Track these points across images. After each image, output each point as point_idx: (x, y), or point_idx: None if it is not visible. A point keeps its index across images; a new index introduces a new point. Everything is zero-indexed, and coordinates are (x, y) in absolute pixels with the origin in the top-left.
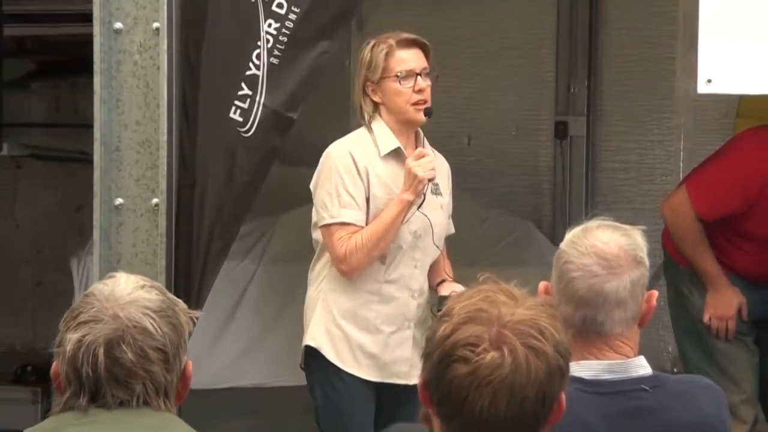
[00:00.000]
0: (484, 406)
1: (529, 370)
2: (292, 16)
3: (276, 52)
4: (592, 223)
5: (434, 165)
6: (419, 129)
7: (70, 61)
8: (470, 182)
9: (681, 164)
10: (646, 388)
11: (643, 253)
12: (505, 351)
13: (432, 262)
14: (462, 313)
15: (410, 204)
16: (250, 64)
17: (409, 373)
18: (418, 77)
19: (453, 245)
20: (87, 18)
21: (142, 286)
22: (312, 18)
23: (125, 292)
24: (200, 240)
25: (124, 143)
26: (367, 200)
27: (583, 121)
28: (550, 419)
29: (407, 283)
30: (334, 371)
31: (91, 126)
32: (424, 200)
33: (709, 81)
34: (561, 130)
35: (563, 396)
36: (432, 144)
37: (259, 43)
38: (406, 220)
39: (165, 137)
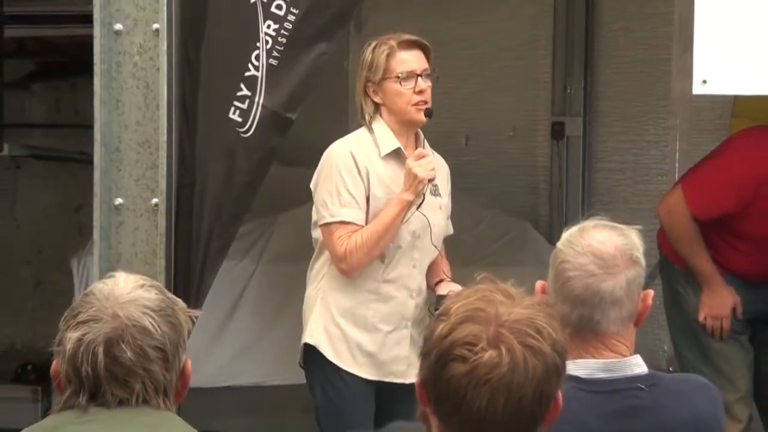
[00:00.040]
0: (481, 405)
1: (527, 369)
2: (291, 18)
3: (275, 53)
4: (589, 223)
5: (434, 166)
6: (419, 130)
7: (70, 62)
8: (468, 182)
9: (677, 164)
10: (642, 386)
11: (640, 252)
12: (503, 350)
13: (430, 262)
14: (459, 312)
15: (410, 204)
16: (249, 65)
17: (407, 372)
18: (419, 78)
19: (450, 245)
20: (87, 19)
21: (142, 286)
22: (311, 19)
23: (125, 292)
24: (199, 240)
25: (124, 143)
26: (367, 200)
27: (579, 121)
28: (547, 417)
29: (405, 282)
30: (334, 370)
31: (91, 126)
32: (423, 200)
33: (705, 82)
34: (558, 131)
35: (560, 394)
36: (430, 144)
37: (258, 44)
38: (405, 220)
39: (165, 137)
